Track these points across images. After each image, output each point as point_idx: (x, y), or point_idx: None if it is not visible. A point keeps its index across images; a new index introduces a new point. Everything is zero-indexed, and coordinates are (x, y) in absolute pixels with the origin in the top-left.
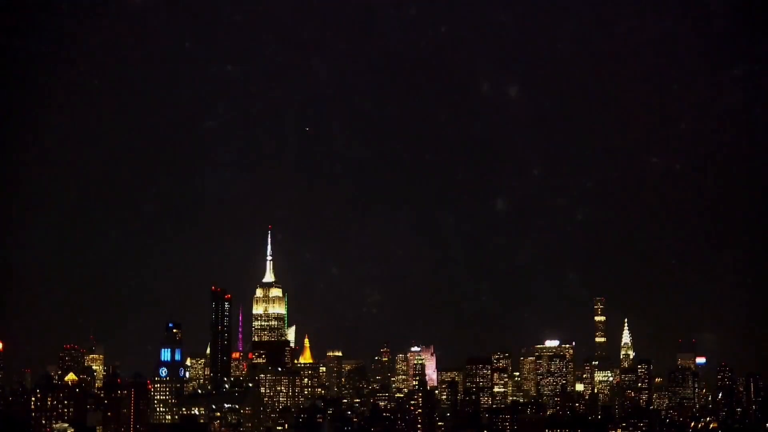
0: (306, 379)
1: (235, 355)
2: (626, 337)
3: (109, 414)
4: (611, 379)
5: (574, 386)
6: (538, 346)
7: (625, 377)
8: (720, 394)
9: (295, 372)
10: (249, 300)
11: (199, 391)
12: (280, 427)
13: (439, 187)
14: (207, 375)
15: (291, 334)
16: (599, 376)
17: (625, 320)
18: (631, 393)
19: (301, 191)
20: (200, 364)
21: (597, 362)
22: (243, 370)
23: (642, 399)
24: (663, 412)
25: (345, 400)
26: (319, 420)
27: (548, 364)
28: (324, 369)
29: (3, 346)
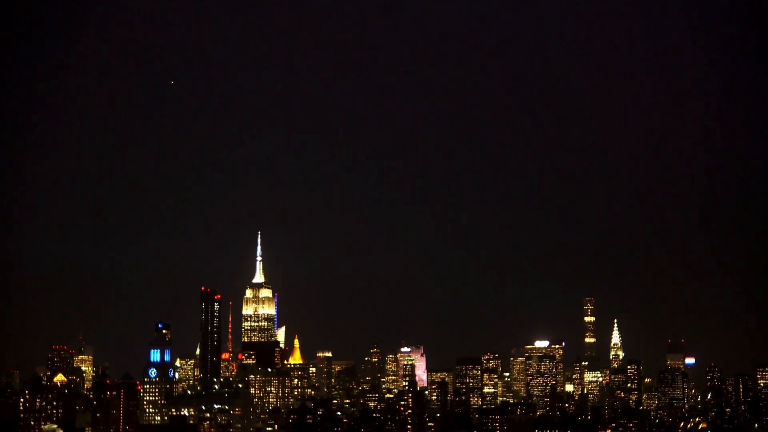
0: (296, 380)
1: (225, 355)
2: (616, 338)
3: (98, 415)
4: (601, 379)
5: (563, 387)
6: (528, 346)
7: (615, 378)
8: (709, 395)
9: (285, 373)
10: (239, 301)
11: (189, 392)
12: (269, 428)
13: (431, 190)
14: (197, 376)
15: (281, 334)
16: (589, 376)
17: (615, 321)
18: (620, 393)
19: (294, 194)
20: (190, 365)
21: (587, 363)
22: (233, 370)
23: (631, 399)
24: (652, 413)
25: (335, 401)
26: (309, 421)
27: (538, 365)
28: (314, 370)
29: None
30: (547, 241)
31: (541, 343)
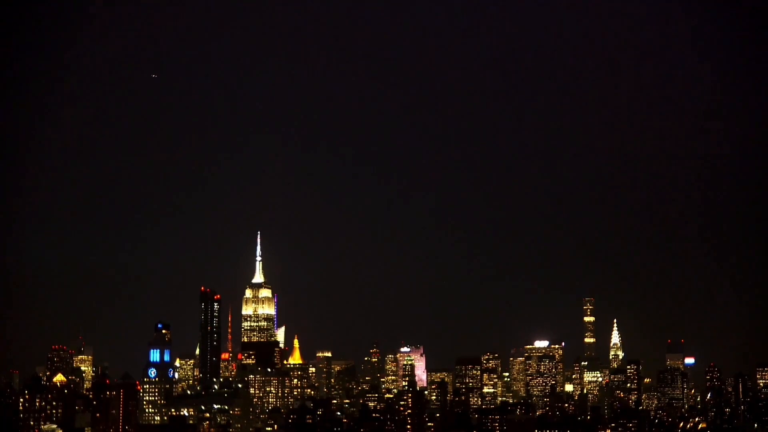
0: (295, 380)
1: (225, 355)
2: (615, 338)
3: (97, 415)
4: (600, 379)
5: (563, 387)
6: (528, 346)
7: (615, 378)
8: (709, 395)
9: (285, 373)
10: (238, 301)
11: (189, 392)
12: (269, 428)
13: (431, 190)
14: (196, 376)
15: (280, 334)
16: (588, 376)
17: (615, 321)
18: (620, 393)
19: (293, 194)
20: (189, 365)
21: (586, 363)
22: (232, 370)
23: (631, 399)
24: (652, 413)
25: (334, 401)
26: (308, 421)
27: (538, 365)
28: (313, 370)
29: None
30: (547, 241)
31: (541, 343)
